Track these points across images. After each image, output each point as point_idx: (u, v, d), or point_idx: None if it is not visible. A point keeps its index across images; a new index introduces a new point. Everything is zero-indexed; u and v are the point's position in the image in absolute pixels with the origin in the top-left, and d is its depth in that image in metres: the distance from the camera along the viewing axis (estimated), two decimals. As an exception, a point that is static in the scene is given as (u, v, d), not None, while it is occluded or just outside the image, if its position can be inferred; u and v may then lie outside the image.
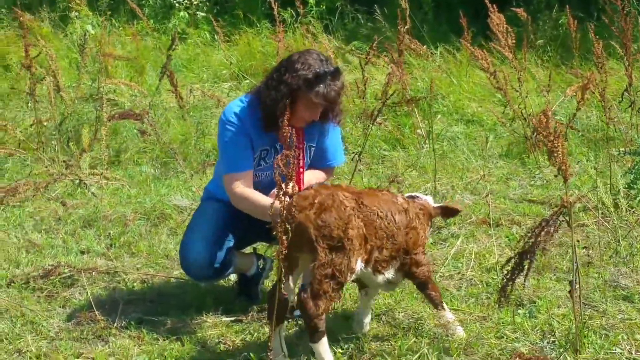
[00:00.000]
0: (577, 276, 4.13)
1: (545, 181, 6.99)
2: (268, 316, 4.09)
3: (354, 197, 4.14)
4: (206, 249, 4.68)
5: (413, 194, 4.66)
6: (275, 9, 10.01)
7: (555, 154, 4.01)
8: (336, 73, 4.57)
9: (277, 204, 3.72)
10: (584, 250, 5.51)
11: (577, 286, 4.13)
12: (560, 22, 11.71)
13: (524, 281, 4.27)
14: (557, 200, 6.30)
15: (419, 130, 8.23)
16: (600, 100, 7.64)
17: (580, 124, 8.15)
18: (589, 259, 5.34)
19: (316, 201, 3.99)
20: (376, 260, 4.19)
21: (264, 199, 4.53)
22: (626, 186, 6.12)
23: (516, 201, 6.54)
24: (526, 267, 4.10)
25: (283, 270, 3.89)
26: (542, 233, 4.06)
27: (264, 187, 4.69)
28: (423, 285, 4.44)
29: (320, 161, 4.90)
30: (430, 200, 4.62)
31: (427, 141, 8.03)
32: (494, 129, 8.49)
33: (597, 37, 7.56)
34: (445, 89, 9.47)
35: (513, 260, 4.12)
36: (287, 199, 3.71)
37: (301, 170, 4.80)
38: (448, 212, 4.68)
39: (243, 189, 4.61)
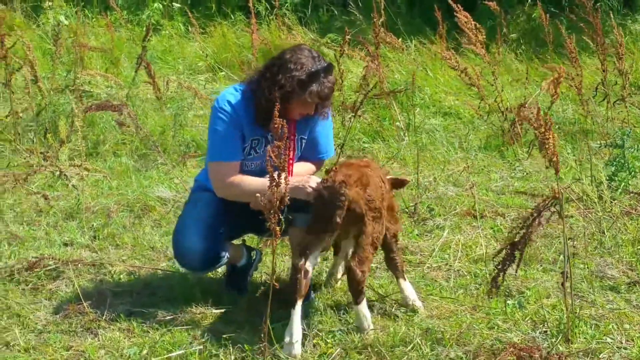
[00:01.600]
0: (568, 267, 4.17)
1: (525, 173, 7.04)
2: (290, 296, 4.21)
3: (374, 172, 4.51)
4: (200, 238, 4.63)
5: None
6: (250, 1, 10.00)
7: (547, 146, 4.05)
8: (329, 68, 4.57)
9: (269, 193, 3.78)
10: (569, 241, 5.54)
11: (568, 277, 4.17)
12: (533, 16, 11.81)
13: (515, 271, 4.29)
14: (539, 191, 6.35)
15: (397, 123, 8.25)
16: (577, 93, 7.72)
17: (557, 117, 8.22)
18: (574, 250, 5.39)
19: (356, 179, 4.29)
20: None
21: (258, 181, 4.50)
22: (608, 178, 6.18)
23: (498, 193, 6.59)
24: (517, 257, 4.14)
25: (272, 254, 3.99)
26: (534, 223, 4.11)
27: (253, 176, 4.67)
28: (393, 247, 4.70)
29: (311, 153, 4.89)
30: None
31: (406, 133, 8.06)
32: (472, 122, 8.53)
33: (569, 31, 7.63)
34: (421, 82, 9.50)
35: (505, 251, 4.16)
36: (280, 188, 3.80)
37: (291, 162, 4.79)
38: None
39: (233, 176, 4.60)
